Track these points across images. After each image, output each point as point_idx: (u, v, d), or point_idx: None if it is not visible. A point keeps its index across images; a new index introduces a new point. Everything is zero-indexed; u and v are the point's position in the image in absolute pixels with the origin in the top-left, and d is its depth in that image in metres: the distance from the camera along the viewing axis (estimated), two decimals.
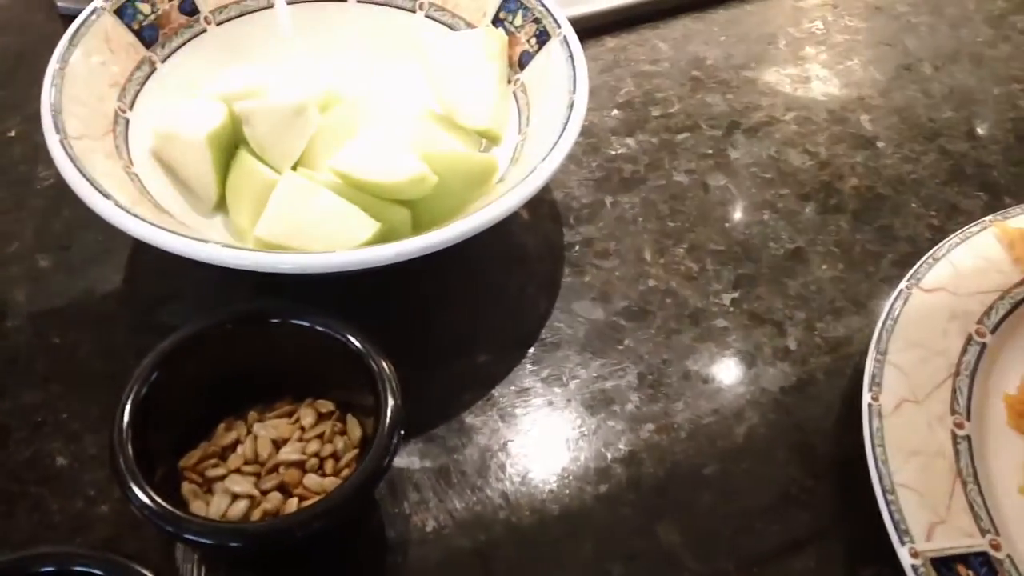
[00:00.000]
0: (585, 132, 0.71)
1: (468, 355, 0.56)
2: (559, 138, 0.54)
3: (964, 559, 0.46)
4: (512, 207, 0.50)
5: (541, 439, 0.52)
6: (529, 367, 0.56)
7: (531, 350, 0.57)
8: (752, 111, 0.74)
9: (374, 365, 0.44)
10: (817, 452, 0.53)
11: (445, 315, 0.58)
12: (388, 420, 0.43)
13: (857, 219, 0.66)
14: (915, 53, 0.81)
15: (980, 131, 0.73)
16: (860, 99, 0.76)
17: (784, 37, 0.81)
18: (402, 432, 0.43)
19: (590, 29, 0.80)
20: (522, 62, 0.63)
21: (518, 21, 0.64)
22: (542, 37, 0.63)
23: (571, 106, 0.56)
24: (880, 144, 0.72)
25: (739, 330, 0.59)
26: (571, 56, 0.60)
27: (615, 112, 0.73)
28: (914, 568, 0.45)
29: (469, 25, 0.66)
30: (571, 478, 0.51)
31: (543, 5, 0.63)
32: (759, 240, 0.64)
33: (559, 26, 0.62)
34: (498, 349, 0.57)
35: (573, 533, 0.49)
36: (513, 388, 0.55)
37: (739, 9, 0.84)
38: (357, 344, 0.45)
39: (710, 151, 0.70)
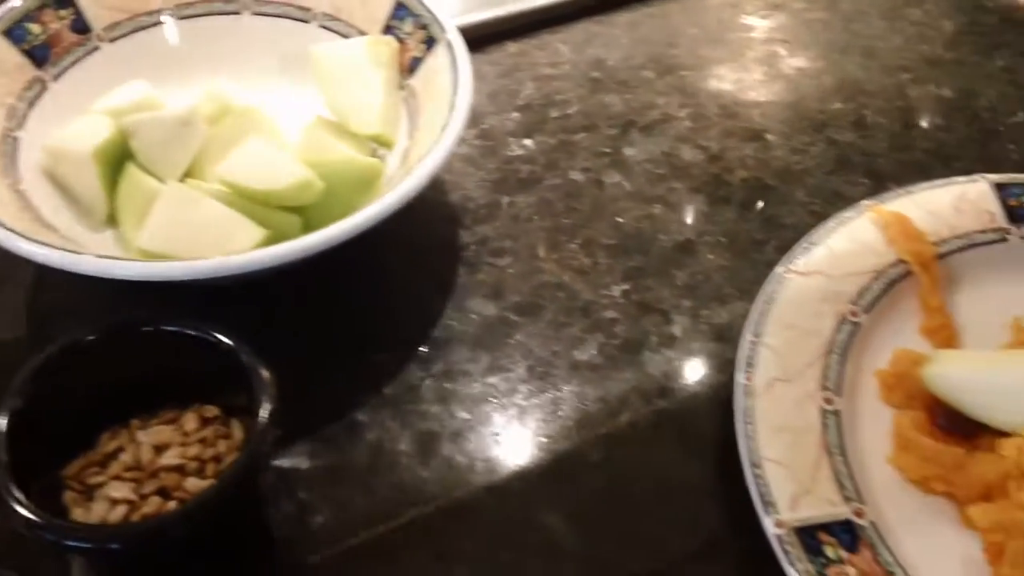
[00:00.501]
0: (484, 135, 0.73)
1: (361, 355, 0.58)
2: (438, 141, 0.55)
3: (827, 527, 0.47)
4: (386, 210, 0.52)
5: (431, 433, 0.54)
6: (421, 364, 0.57)
7: (423, 348, 0.58)
8: (648, 110, 0.76)
9: (247, 366, 0.45)
10: (698, 433, 0.54)
11: (341, 317, 0.60)
12: (261, 419, 0.44)
13: (744, 209, 0.68)
14: (808, 48, 0.83)
15: (868, 121, 0.76)
16: (753, 94, 0.78)
17: (683, 38, 0.84)
18: (277, 431, 0.44)
19: (492, 35, 0.81)
20: (412, 67, 0.65)
21: (408, 28, 0.66)
22: (430, 42, 0.64)
23: (452, 108, 0.58)
24: (770, 137, 0.74)
25: (627, 320, 0.60)
26: (454, 60, 0.61)
27: (514, 115, 0.75)
28: (778, 537, 0.46)
29: (362, 33, 0.68)
30: (460, 470, 0.52)
31: (430, 11, 0.65)
32: (650, 233, 0.66)
33: (444, 31, 0.63)
34: (391, 348, 0.58)
35: (463, 524, 0.50)
36: (405, 385, 0.56)
37: (640, 12, 0.86)
38: (230, 347, 0.46)
39: (607, 150, 0.72)
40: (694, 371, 0.58)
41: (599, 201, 0.68)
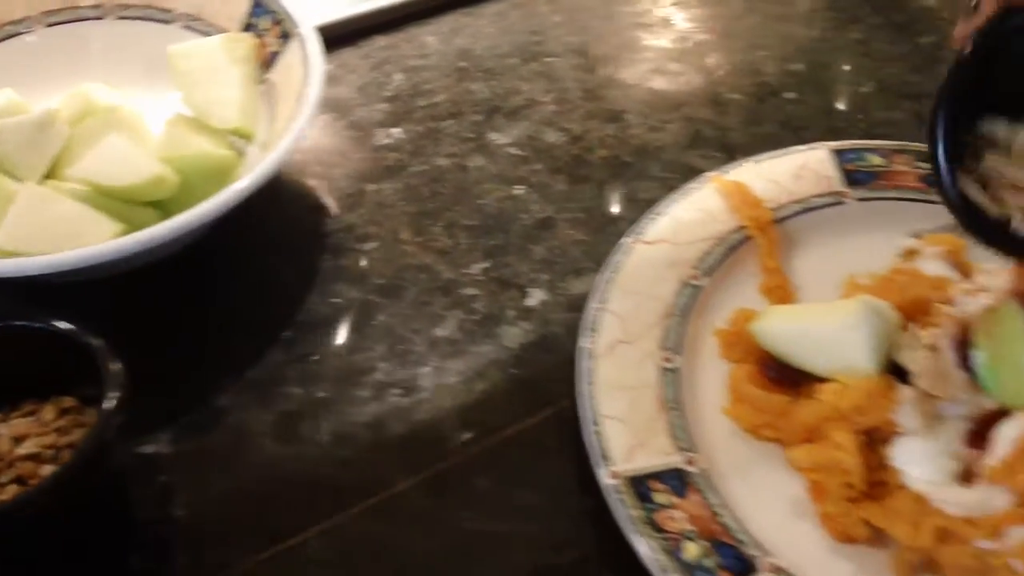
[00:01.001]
0: (353, 126, 0.75)
1: (226, 343, 0.60)
2: (284, 132, 0.57)
3: (659, 475, 0.50)
4: (229, 200, 0.53)
5: (292, 414, 0.56)
6: (284, 348, 0.59)
7: (287, 332, 0.60)
8: (513, 96, 0.78)
9: (96, 357, 0.47)
10: (550, 398, 0.57)
11: (208, 308, 0.61)
12: (105, 406, 0.46)
13: (603, 187, 0.71)
14: (668, 31, 0.86)
15: (723, 98, 0.79)
16: (613, 78, 0.81)
17: (548, 26, 0.86)
18: (121, 416, 0.46)
19: (363, 30, 0.84)
20: (270, 62, 0.67)
21: (265, 24, 0.68)
22: (285, 37, 0.66)
23: (301, 100, 0.60)
24: (629, 117, 0.77)
25: (486, 296, 0.63)
26: (307, 53, 0.63)
27: (382, 105, 0.77)
28: (613, 487, 0.49)
29: (223, 32, 0.69)
30: (321, 446, 0.54)
31: (284, 8, 0.67)
32: (511, 213, 0.68)
33: (297, 26, 0.65)
34: (255, 334, 0.60)
35: (322, 497, 0.52)
36: (267, 369, 0.58)
37: (506, 2, 0.89)
38: (81, 339, 0.48)
39: (471, 135, 0.75)
40: (548, 340, 0.60)
41: (463, 184, 0.70)
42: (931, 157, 0.49)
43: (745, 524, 0.49)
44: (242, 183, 0.54)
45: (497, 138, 0.74)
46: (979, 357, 0.50)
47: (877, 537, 0.49)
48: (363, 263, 0.64)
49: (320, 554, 0.50)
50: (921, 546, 0.47)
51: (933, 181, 0.50)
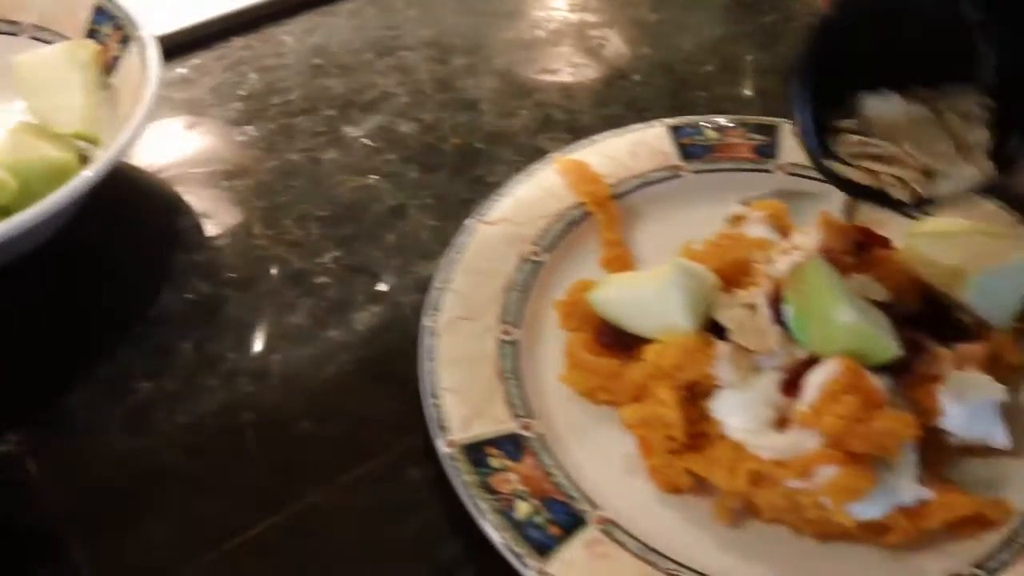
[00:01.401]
0: (206, 127, 0.76)
1: (77, 342, 0.60)
2: (118, 133, 0.58)
3: (494, 442, 0.52)
4: (63, 199, 0.54)
5: (140, 407, 0.57)
6: (134, 344, 0.60)
7: (139, 328, 0.61)
8: (368, 89, 0.80)
9: None
10: (396, 377, 0.58)
11: (59, 310, 0.62)
12: None
13: (455, 173, 0.73)
14: (520, 21, 0.88)
15: (572, 83, 0.81)
16: (466, 68, 0.83)
17: (402, 20, 0.88)
18: None
19: (218, 32, 0.84)
20: (113, 66, 0.68)
21: (107, 30, 0.69)
22: (125, 41, 0.67)
23: (137, 102, 0.61)
24: (482, 105, 0.79)
25: (337, 284, 0.64)
26: (144, 56, 0.64)
27: (236, 104, 0.78)
28: (448, 455, 0.51)
29: (69, 39, 0.70)
30: (169, 437, 0.55)
31: (126, 13, 0.68)
32: (364, 202, 0.70)
33: (137, 29, 0.66)
34: (106, 332, 0.61)
35: (170, 485, 0.53)
36: (118, 365, 0.59)
37: (361, 0, 0.90)
38: None
39: (325, 129, 0.76)
40: (397, 322, 0.62)
41: (316, 177, 0.72)
42: (796, 124, 0.52)
43: (579, 482, 0.52)
44: (73, 182, 0.55)
45: (351, 131, 0.76)
46: (789, 311, 0.52)
47: (702, 486, 0.52)
48: (215, 258, 0.65)
49: (169, 541, 0.51)
50: (738, 490, 0.50)
51: (801, 145, 0.52)
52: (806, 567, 0.51)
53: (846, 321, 0.50)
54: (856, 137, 0.54)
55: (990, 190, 0.50)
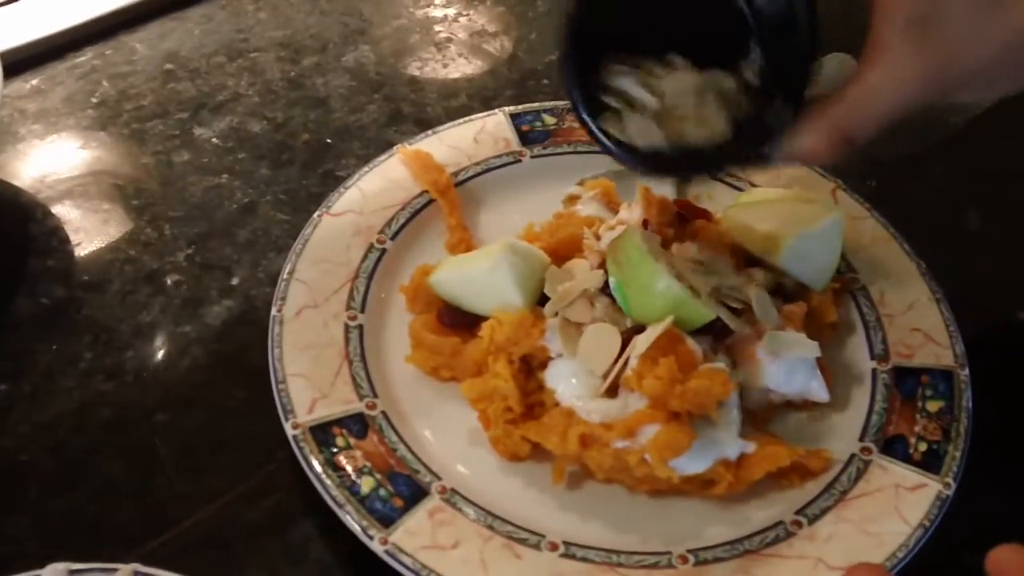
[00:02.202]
0: (56, 136, 0.76)
1: None
2: None
3: (339, 422, 0.55)
4: None
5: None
6: None
7: None
8: (219, 91, 0.81)
9: None
10: (251, 368, 0.60)
11: None
12: None
13: (306, 168, 0.75)
14: (372, 18, 0.91)
15: (420, 77, 0.84)
16: (317, 65, 0.85)
17: (253, 23, 0.89)
18: None
19: (70, 43, 0.85)
20: None
21: None
22: None
23: None
24: (332, 101, 0.81)
25: (190, 280, 0.66)
26: None
27: (89, 112, 0.79)
28: (294, 437, 0.53)
29: None
30: (26, 436, 0.57)
31: None
32: (216, 201, 0.72)
33: None
34: None
35: (27, 481, 0.55)
36: None
37: (213, 4, 0.91)
38: None
39: (177, 132, 0.77)
40: (249, 314, 0.64)
41: (168, 179, 0.73)
42: (567, 96, 0.54)
43: (422, 456, 0.55)
44: None
45: (202, 133, 0.77)
46: (612, 282, 0.56)
47: (542, 453, 0.56)
48: (70, 262, 0.66)
49: (31, 536, 0.52)
50: (569, 452, 0.53)
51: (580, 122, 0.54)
52: (639, 521, 0.54)
53: (661, 289, 0.53)
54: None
55: (750, 154, 0.53)
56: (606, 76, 0.54)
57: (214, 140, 0.77)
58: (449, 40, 0.89)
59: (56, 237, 0.68)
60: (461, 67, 0.85)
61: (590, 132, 0.54)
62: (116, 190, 0.72)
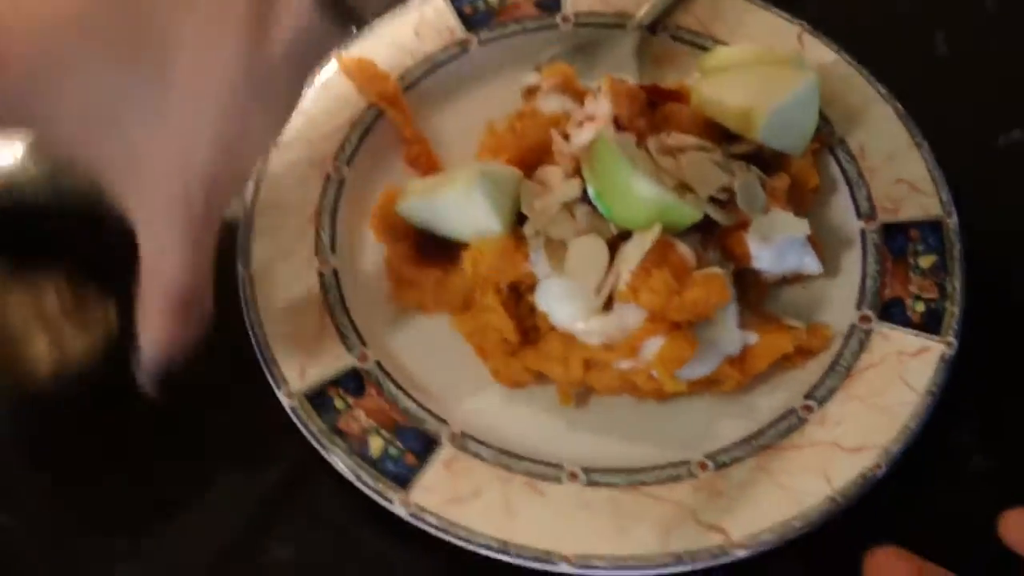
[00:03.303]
0: None
1: None
2: None
3: (335, 382, 0.53)
4: None
5: None
6: None
7: None
8: None
9: None
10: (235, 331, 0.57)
11: None
12: None
13: None
14: None
15: None
16: None
17: None
18: None
19: None
20: None
21: None
22: None
23: None
24: None
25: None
26: None
27: None
28: (292, 408, 0.51)
29: None
30: None
31: None
32: None
33: None
34: None
35: None
36: None
37: None
38: None
39: None
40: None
41: None
42: None
43: (425, 403, 0.53)
44: None
45: None
46: (591, 191, 0.53)
47: (545, 375, 0.54)
48: None
49: None
50: (574, 380, 0.52)
51: None
52: (652, 431, 0.54)
53: (643, 194, 0.51)
54: None
55: None
56: None
57: None
58: None
59: None
60: None
61: None
62: None
